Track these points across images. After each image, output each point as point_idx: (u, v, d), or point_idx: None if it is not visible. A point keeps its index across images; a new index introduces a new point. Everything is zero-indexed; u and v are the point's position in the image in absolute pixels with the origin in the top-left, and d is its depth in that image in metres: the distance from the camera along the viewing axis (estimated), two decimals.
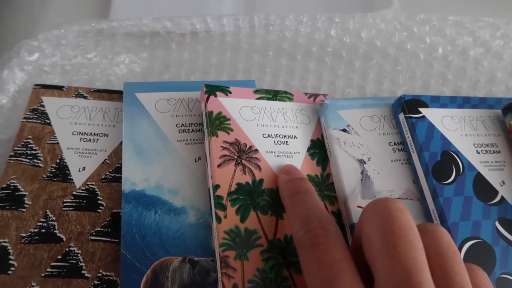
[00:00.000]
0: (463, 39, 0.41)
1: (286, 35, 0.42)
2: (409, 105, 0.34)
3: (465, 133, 0.33)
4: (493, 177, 0.32)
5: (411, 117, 0.33)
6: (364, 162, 0.32)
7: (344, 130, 0.34)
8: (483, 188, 0.31)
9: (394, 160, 0.33)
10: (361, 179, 0.32)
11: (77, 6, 0.49)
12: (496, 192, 0.31)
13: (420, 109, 0.34)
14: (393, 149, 0.33)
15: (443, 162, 0.31)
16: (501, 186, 0.31)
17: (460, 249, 0.28)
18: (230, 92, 0.35)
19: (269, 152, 0.33)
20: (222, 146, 0.32)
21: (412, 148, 0.32)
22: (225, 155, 0.31)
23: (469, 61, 0.41)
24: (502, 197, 0.31)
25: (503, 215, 0.30)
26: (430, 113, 0.34)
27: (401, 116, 0.34)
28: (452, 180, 0.31)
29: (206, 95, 0.34)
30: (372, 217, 0.22)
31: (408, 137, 0.33)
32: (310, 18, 0.41)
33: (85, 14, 0.48)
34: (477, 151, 0.33)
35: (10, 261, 0.29)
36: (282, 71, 0.43)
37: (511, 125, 0.33)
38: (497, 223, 0.30)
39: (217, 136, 0.32)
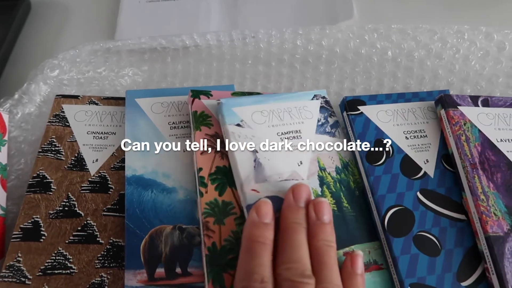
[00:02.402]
0: (408, 43, 0.47)
1: (261, 46, 0.49)
2: (350, 105, 0.40)
3: (397, 123, 0.39)
4: (418, 157, 0.38)
5: (351, 114, 0.39)
6: (256, 152, 0.36)
7: (238, 125, 0.37)
8: (409, 167, 0.37)
9: (282, 147, 0.36)
10: (254, 166, 0.35)
11: (88, 29, 0.57)
12: (420, 169, 0.37)
13: (359, 107, 0.40)
14: (280, 138, 0.37)
15: (376, 148, 0.38)
16: (425, 163, 0.37)
17: (385, 214, 0.34)
18: (211, 95, 0.41)
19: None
20: (204, 138, 0.38)
21: (352, 139, 0.39)
22: (207, 145, 0.38)
23: (415, 62, 0.47)
24: (425, 172, 0.37)
25: (424, 186, 0.36)
26: (367, 110, 0.40)
27: (344, 114, 0.40)
28: (382, 162, 0.37)
29: (192, 99, 0.41)
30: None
31: (349, 130, 0.39)
32: (278, 31, 0.48)
33: (94, 35, 0.56)
34: (406, 137, 0.39)
35: (42, 232, 0.36)
36: (259, 76, 0.50)
37: (440, 114, 0.39)
38: (418, 193, 0.35)
39: (200, 130, 0.39)
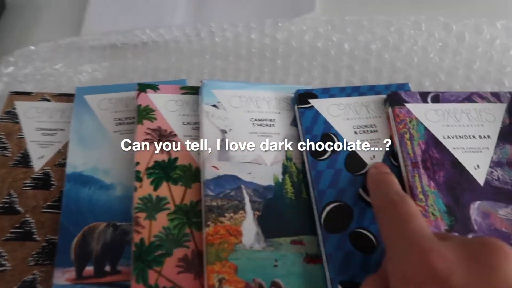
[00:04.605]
0: (364, 35, 0.44)
1: (216, 40, 0.47)
2: (301, 98, 0.37)
3: (347, 118, 0.36)
4: (365, 153, 0.35)
5: (301, 107, 0.37)
6: (226, 132, 0.36)
7: (214, 106, 0.38)
8: (354, 162, 0.34)
9: (252, 133, 0.37)
10: (220, 145, 0.35)
11: (56, 26, 0.55)
12: (365, 165, 0.34)
13: (310, 100, 0.37)
14: (253, 124, 0.37)
15: (321, 143, 0.35)
16: (371, 159, 0.34)
17: (323, 209, 0.32)
18: (158, 89, 0.39)
19: (186, 136, 0.37)
20: (145, 132, 0.37)
21: (300, 133, 0.36)
22: (147, 139, 0.36)
23: (372, 54, 0.44)
24: None
25: None
26: (318, 103, 0.37)
27: (295, 107, 0.37)
28: (327, 157, 0.34)
29: (138, 92, 0.39)
30: None
31: (299, 124, 0.37)
32: (231, 25, 0.45)
33: (62, 32, 0.54)
34: (355, 131, 0.36)
35: None
36: (217, 71, 0.47)
37: (388, 112, 0.36)
38: (360, 189, 0.33)
39: (142, 124, 0.37)
